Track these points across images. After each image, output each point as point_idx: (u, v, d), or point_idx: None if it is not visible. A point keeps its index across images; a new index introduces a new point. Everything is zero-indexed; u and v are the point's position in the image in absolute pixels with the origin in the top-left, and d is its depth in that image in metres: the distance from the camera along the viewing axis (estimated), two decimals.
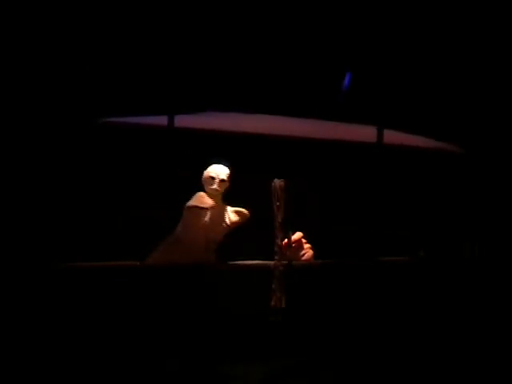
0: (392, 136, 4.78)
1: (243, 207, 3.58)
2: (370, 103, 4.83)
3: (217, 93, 4.71)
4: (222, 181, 3.53)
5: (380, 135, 4.72)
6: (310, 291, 3.48)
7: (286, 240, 3.45)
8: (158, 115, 4.60)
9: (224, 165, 3.58)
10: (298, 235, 3.65)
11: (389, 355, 3.57)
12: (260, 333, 3.37)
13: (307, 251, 3.69)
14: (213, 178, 3.52)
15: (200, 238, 3.48)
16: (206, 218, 3.49)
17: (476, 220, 4.51)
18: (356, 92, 4.86)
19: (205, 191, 3.54)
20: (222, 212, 3.54)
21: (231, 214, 3.55)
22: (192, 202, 3.50)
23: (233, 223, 3.54)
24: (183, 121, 4.66)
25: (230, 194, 3.58)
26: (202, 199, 3.51)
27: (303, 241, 3.68)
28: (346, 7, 4.76)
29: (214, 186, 3.52)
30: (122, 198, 4.44)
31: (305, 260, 3.65)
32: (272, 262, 3.38)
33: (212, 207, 3.50)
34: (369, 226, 4.46)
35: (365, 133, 4.79)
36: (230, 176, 3.55)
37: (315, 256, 3.73)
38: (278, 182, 3.43)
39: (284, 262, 3.37)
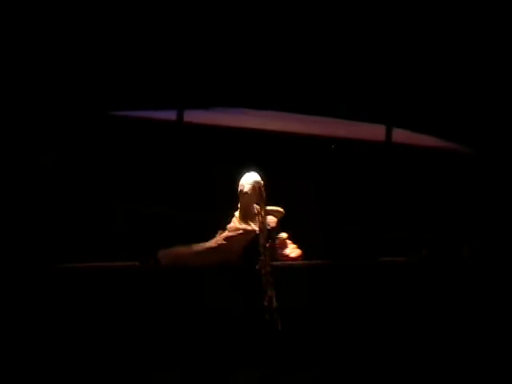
0: (401, 135, 4.78)
1: None
2: (379, 102, 4.82)
3: (227, 89, 4.72)
4: None
5: (389, 134, 4.72)
6: (310, 292, 3.50)
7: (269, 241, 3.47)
8: (167, 110, 4.63)
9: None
10: (282, 236, 3.63)
11: (389, 354, 3.58)
12: (257, 336, 3.38)
13: (293, 251, 3.65)
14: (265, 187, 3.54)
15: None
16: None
17: (479, 220, 4.49)
18: (365, 91, 4.85)
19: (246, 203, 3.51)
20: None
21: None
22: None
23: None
24: (192, 116, 4.68)
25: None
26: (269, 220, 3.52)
27: (288, 242, 3.65)
28: (355, 5, 4.75)
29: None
30: (122, 195, 4.44)
31: (293, 258, 3.62)
32: (258, 263, 3.38)
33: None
34: (372, 225, 4.46)
35: (373, 131, 4.79)
36: None
37: (317, 257, 3.73)
38: (256, 184, 3.44)
39: (270, 262, 3.37)
